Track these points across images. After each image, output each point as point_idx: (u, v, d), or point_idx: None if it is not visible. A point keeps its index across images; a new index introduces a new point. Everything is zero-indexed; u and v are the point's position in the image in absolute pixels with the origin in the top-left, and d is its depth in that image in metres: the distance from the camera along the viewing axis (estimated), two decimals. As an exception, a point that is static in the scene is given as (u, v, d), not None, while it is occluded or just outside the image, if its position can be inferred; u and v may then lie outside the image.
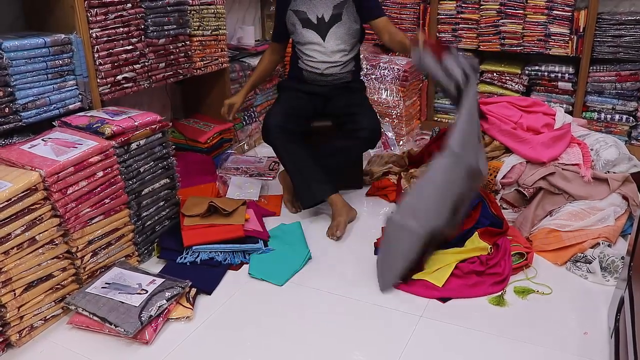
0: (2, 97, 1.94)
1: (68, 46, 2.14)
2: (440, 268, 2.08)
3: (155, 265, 2.22)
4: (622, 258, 2.05)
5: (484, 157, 2.16)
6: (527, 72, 3.51)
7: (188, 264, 2.17)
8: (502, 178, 2.45)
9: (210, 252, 2.21)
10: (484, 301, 1.97)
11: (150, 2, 2.45)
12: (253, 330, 1.85)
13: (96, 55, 2.27)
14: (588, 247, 2.17)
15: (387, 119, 3.47)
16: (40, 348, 1.78)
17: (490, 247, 2.14)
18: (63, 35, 2.12)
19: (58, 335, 1.84)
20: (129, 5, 2.36)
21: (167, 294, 1.88)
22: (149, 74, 2.55)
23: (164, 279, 1.97)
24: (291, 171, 2.55)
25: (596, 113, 3.37)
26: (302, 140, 2.57)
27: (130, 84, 2.46)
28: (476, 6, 3.53)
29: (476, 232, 2.21)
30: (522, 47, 3.48)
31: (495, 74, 3.61)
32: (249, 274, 2.15)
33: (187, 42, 2.74)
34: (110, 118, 2.10)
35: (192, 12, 2.75)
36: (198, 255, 2.19)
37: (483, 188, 2.47)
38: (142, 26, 2.46)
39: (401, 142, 3.48)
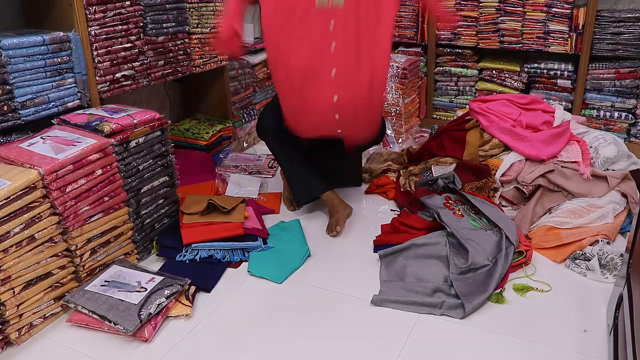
0: (0, 95, 1.94)
1: (67, 44, 2.14)
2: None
3: (154, 263, 2.22)
4: (621, 255, 2.05)
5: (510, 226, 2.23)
6: (526, 69, 3.50)
7: (187, 261, 2.17)
8: (502, 176, 2.44)
9: (209, 249, 2.21)
10: (483, 299, 1.97)
11: (149, 0, 2.45)
12: (252, 328, 1.85)
13: (95, 53, 2.27)
14: (587, 245, 2.18)
15: (387, 117, 3.47)
16: (40, 346, 1.78)
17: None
18: (62, 33, 2.12)
19: (57, 333, 1.84)
20: (128, 2, 2.35)
21: (167, 292, 1.88)
22: (148, 71, 2.55)
23: (163, 277, 1.97)
24: (285, 168, 2.55)
25: (595, 110, 3.37)
26: (297, 137, 2.54)
27: (129, 82, 2.45)
28: (475, 3, 3.52)
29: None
30: (521, 45, 3.48)
31: (494, 72, 3.60)
32: (248, 271, 2.15)
33: (186, 40, 2.74)
34: (109, 116, 2.10)
35: (191, 10, 2.74)
36: (197, 253, 2.19)
37: (483, 190, 2.47)
38: (141, 24, 2.45)
39: (400, 140, 3.48)
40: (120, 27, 2.34)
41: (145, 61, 2.51)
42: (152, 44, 2.53)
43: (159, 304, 1.83)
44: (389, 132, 3.40)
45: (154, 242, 2.28)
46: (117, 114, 2.12)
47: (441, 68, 3.77)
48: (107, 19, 2.28)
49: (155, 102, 3.15)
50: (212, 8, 2.88)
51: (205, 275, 2.09)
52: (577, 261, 2.13)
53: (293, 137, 2.49)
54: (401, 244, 2.18)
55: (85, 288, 1.91)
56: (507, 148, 2.56)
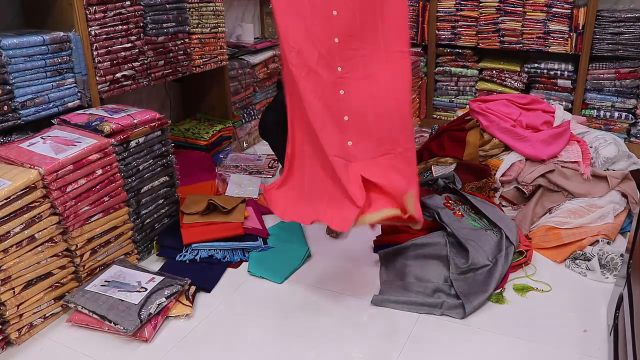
0: (1, 95, 1.94)
1: (67, 44, 2.13)
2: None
3: (154, 263, 2.22)
4: (621, 255, 2.05)
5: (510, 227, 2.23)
6: (526, 69, 3.50)
7: (187, 261, 2.17)
8: (502, 176, 2.44)
9: (209, 249, 2.21)
10: (483, 299, 1.97)
11: (149, 0, 2.45)
12: (252, 328, 1.85)
13: (95, 53, 2.27)
14: (587, 245, 2.18)
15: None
16: (40, 346, 1.78)
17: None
18: (62, 33, 2.12)
19: (57, 333, 1.84)
20: (128, 2, 2.35)
21: (167, 292, 1.88)
22: (148, 71, 2.54)
23: (163, 277, 1.97)
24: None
25: (595, 110, 3.37)
26: None
27: (129, 82, 2.45)
28: (475, 3, 3.53)
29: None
30: (521, 45, 3.48)
31: (494, 72, 3.60)
32: (248, 271, 2.15)
33: (186, 40, 2.74)
34: (110, 116, 2.10)
35: (191, 10, 2.74)
36: (197, 253, 2.19)
37: (484, 190, 2.47)
38: (141, 24, 2.45)
39: (400, 140, 3.47)
40: (120, 27, 2.34)
41: (145, 61, 2.51)
42: (152, 44, 2.53)
43: (159, 304, 1.83)
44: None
45: (154, 242, 2.28)
46: (117, 114, 2.12)
47: (441, 68, 3.77)
48: (107, 19, 2.28)
49: (155, 102, 3.15)
50: (212, 8, 2.88)
51: (205, 275, 2.09)
52: (577, 261, 2.13)
53: None
54: (401, 244, 2.18)
55: (86, 288, 1.91)
56: (507, 148, 2.56)
